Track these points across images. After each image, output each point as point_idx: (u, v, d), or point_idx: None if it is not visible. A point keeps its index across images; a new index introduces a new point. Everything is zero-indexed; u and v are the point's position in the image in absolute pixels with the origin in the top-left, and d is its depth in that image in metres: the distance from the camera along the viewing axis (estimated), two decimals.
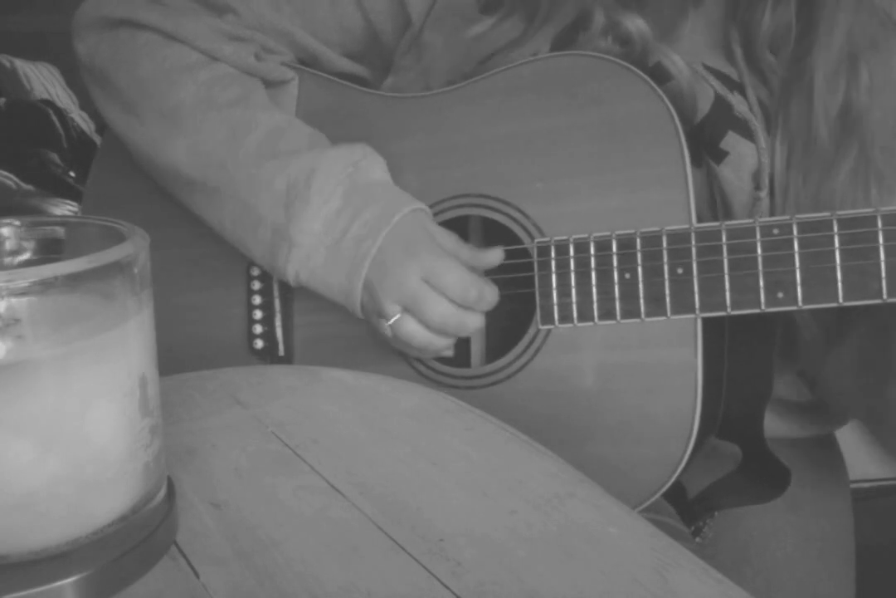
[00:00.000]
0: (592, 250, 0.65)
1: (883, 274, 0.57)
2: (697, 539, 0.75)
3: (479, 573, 0.35)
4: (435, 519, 0.39)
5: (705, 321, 0.63)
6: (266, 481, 0.43)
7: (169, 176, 0.74)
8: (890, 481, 1.48)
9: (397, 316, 0.65)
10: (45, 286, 0.30)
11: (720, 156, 0.69)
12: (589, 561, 0.36)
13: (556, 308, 0.66)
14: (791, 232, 0.59)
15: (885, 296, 0.57)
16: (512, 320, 0.70)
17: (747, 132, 0.68)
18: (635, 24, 0.67)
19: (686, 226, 0.62)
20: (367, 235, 0.65)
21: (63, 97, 3.16)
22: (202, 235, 0.78)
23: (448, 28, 0.73)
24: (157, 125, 0.72)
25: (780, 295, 0.60)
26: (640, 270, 0.63)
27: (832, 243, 0.58)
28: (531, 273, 0.67)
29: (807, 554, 0.76)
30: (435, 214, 0.70)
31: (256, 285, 0.77)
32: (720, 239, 0.61)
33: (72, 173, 2.73)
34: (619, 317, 0.64)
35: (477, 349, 0.74)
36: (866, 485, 1.41)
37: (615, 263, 0.64)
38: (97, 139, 2.89)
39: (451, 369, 0.71)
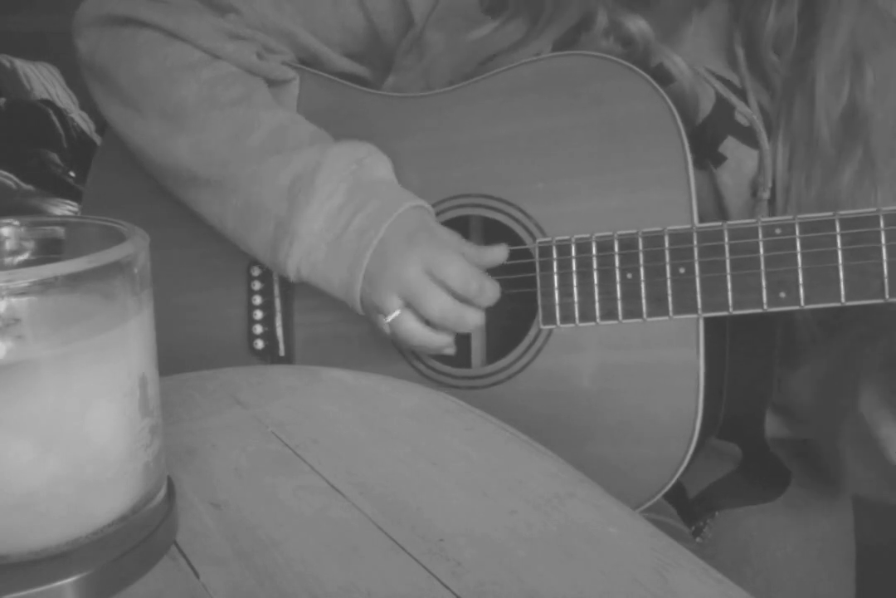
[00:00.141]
0: (594, 250, 0.65)
1: (885, 274, 0.57)
2: (697, 539, 0.75)
3: (479, 573, 0.35)
4: (435, 519, 0.39)
5: (707, 322, 0.63)
6: (266, 481, 0.43)
7: (170, 173, 0.74)
8: None
9: (397, 312, 0.65)
10: (45, 286, 0.30)
11: (718, 160, 0.69)
12: (589, 561, 0.36)
13: (557, 308, 0.66)
14: (793, 232, 0.59)
15: (887, 296, 0.57)
16: (513, 321, 0.70)
17: (747, 138, 0.68)
18: (637, 26, 0.67)
19: (688, 226, 0.62)
20: (370, 227, 0.65)
21: (63, 97, 3.16)
22: (202, 235, 0.78)
23: (450, 28, 0.73)
24: (159, 123, 0.71)
25: (783, 295, 0.60)
26: (642, 270, 0.63)
27: (834, 243, 0.58)
28: (533, 273, 0.67)
29: (807, 554, 0.76)
30: (436, 214, 0.70)
31: (257, 285, 0.77)
32: (722, 239, 0.61)
33: (72, 173, 2.73)
34: (621, 317, 0.64)
35: (478, 350, 0.74)
36: None
37: (617, 263, 0.64)
38: (97, 139, 2.90)
39: (451, 370, 0.70)
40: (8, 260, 0.38)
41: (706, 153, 0.69)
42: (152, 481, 0.36)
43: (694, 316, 0.62)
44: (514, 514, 0.39)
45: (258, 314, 0.77)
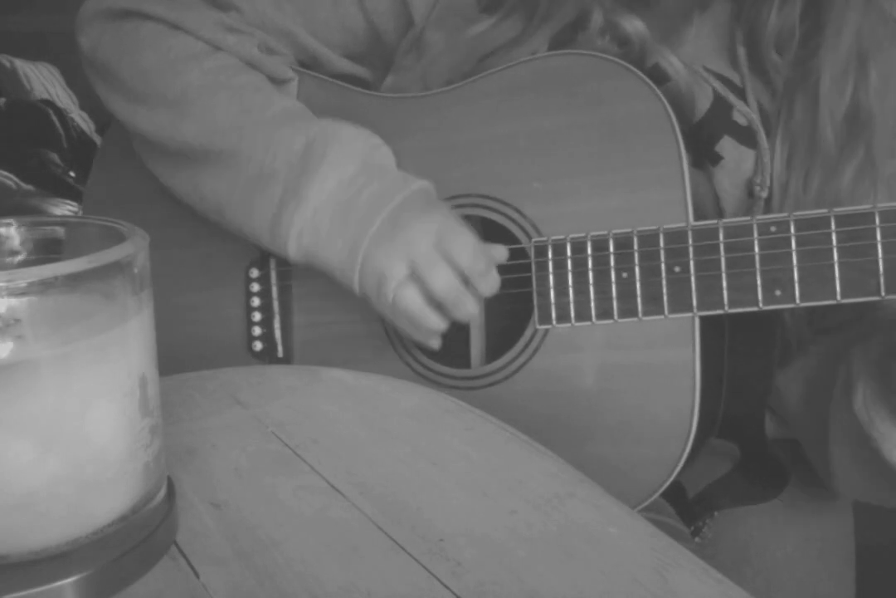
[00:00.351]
0: (590, 250, 0.65)
1: (881, 271, 0.57)
2: (697, 539, 0.75)
3: (479, 573, 0.35)
4: (435, 519, 0.39)
5: (704, 321, 0.63)
6: (266, 481, 0.43)
7: (180, 157, 0.72)
8: None
9: (405, 272, 0.63)
10: (45, 286, 0.30)
11: (715, 159, 0.69)
12: (589, 561, 0.36)
13: (553, 308, 0.66)
14: (788, 230, 0.59)
15: (883, 293, 0.57)
16: (511, 321, 0.70)
17: (744, 137, 0.68)
18: (633, 26, 0.67)
19: (683, 224, 0.62)
20: (384, 195, 0.65)
21: (63, 97, 3.16)
22: (202, 236, 0.78)
23: (450, 28, 0.73)
24: (165, 111, 0.71)
25: (778, 293, 0.60)
26: (637, 269, 0.63)
27: (830, 241, 0.58)
28: (529, 273, 0.67)
29: (807, 554, 0.76)
30: None
31: (255, 287, 0.77)
32: (717, 237, 0.61)
33: (72, 173, 2.73)
34: (616, 316, 0.64)
35: (476, 350, 0.74)
36: None
37: (612, 262, 0.64)
38: (97, 139, 2.90)
39: (450, 370, 0.71)
40: (8, 260, 0.38)
41: (703, 152, 0.69)
42: (152, 481, 0.36)
43: (690, 315, 0.62)
44: (514, 514, 0.40)
45: (256, 316, 0.77)
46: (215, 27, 0.73)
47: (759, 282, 0.60)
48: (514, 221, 0.68)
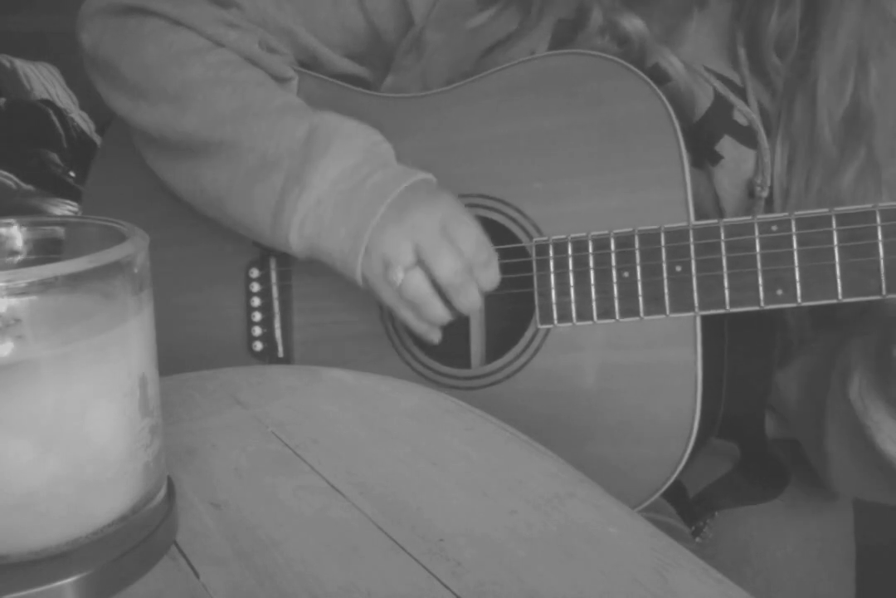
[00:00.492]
0: (591, 249, 0.65)
1: (882, 270, 0.57)
2: (697, 539, 0.75)
3: (479, 573, 0.35)
4: (435, 519, 0.39)
5: (705, 321, 0.63)
6: (266, 481, 0.43)
7: (180, 150, 0.72)
8: None
9: (411, 258, 0.63)
10: (45, 286, 0.30)
11: (715, 159, 0.69)
12: (589, 561, 0.36)
13: (554, 307, 0.66)
14: (790, 229, 0.59)
15: (884, 292, 0.57)
16: (511, 321, 0.70)
17: (745, 137, 0.68)
18: (633, 25, 0.67)
19: (684, 224, 0.62)
20: (389, 183, 0.64)
21: (63, 97, 3.16)
22: (202, 235, 0.78)
23: (449, 27, 0.73)
24: (167, 104, 0.71)
25: (780, 292, 0.60)
26: (638, 268, 0.63)
27: (831, 240, 0.58)
28: (529, 273, 0.67)
29: (807, 554, 0.76)
30: None
31: (255, 287, 0.77)
32: (718, 236, 0.61)
33: (72, 173, 2.73)
34: (617, 316, 0.64)
35: (476, 350, 0.74)
36: None
37: (614, 261, 0.64)
38: (97, 139, 2.90)
39: (450, 370, 0.70)
40: (8, 260, 0.38)
41: (703, 152, 0.69)
42: (152, 481, 0.36)
43: (691, 314, 0.62)
44: (514, 514, 0.40)
45: (257, 316, 0.77)
46: (217, 23, 0.73)
47: (760, 281, 0.60)
48: (515, 221, 0.68)
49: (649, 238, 0.63)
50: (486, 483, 0.42)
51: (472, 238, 0.64)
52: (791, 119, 0.67)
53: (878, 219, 0.57)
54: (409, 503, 0.40)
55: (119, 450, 0.34)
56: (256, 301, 0.77)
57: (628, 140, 0.65)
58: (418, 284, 0.64)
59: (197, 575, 0.35)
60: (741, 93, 0.69)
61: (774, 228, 0.60)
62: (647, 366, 0.64)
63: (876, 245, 0.57)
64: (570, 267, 0.66)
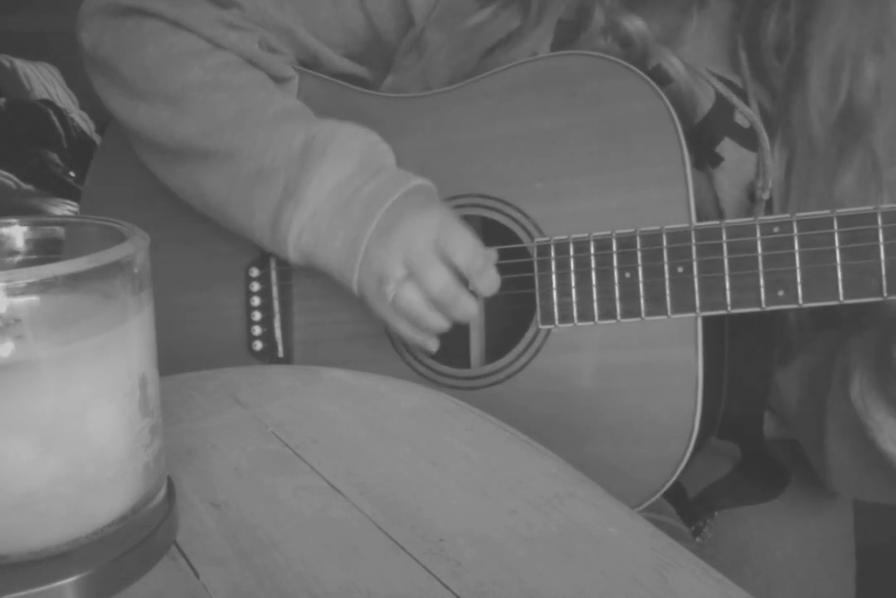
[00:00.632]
0: (592, 250, 0.65)
1: (883, 272, 0.57)
2: (697, 539, 0.75)
3: (479, 573, 0.35)
4: (435, 519, 0.39)
5: (706, 321, 0.63)
6: (266, 481, 0.43)
7: (179, 155, 0.72)
8: None
9: (403, 273, 0.63)
10: (45, 286, 0.30)
11: (715, 160, 0.69)
12: (589, 561, 0.36)
13: (556, 308, 0.66)
14: (791, 230, 0.59)
15: (885, 293, 0.57)
16: (512, 321, 0.70)
17: (745, 140, 0.68)
18: (635, 26, 0.67)
19: (686, 225, 0.62)
20: (383, 192, 0.65)
21: (63, 97, 3.16)
22: (202, 235, 0.78)
23: (450, 27, 0.73)
24: (166, 107, 0.71)
25: (781, 293, 0.60)
26: (640, 269, 0.63)
27: (832, 241, 0.58)
28: (531, 273, 0.67)
29: (807, 554, 0.76)
30: None
31: (255, 287, 0.77)
32: (720, 237, 0.61)
33: (72, 173, 2.73)
34: (619, 316, 0.64)
35: (477, 350, 0.74)
36: None
37: (615, 262, 0.64)
38: (97, 139, 2.90)
39: (450, 370, 0.70)
40: (8, 260, 0.38)
41: (703, 154, 0.69)
42: (152, 481, 0.36)
43: (692, 315, 0.62)
44: (514, 514, 0.40)
45: (257, 316, 0.77)
46: (216, 24, 0.73)
47: (761, 282, 0.60)
48: (516, 221, 0.68)
49: (651, 239, 0.63)
50: (486, 483, 0.42)
51: (466, 247, 0.64)
52: (789, 121, 0.67)
53: (880, 221, 0.57)
54: (409, 502, 0.40)
55: (119, 450, 0.34)
56: (256, 301, 0.77)
57: (629, 139, 0.65)
58: (410, 297, 0.64)
59: (197, 575, 0.35)
60: (742, 95, 0.69)
61: (776, 229, 0.60)
62: (647, 366, 0.64)
63: (877, 247, 0.57)
64: (572, 267, 0.66)
